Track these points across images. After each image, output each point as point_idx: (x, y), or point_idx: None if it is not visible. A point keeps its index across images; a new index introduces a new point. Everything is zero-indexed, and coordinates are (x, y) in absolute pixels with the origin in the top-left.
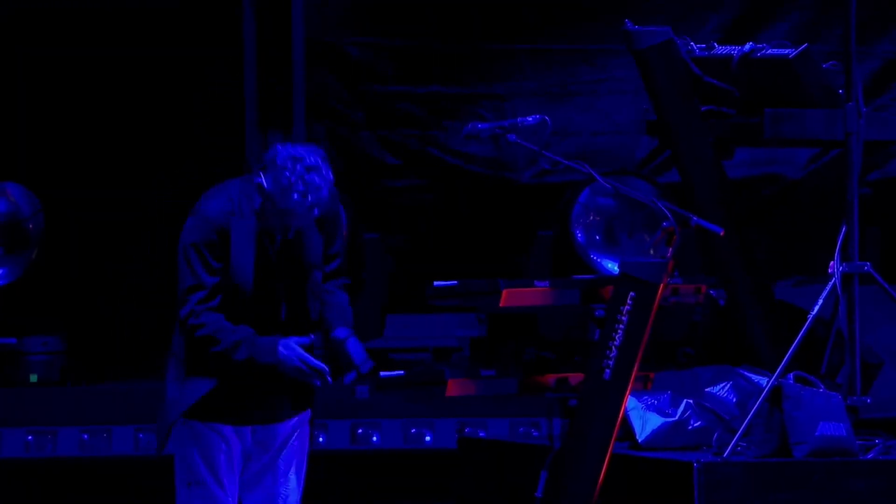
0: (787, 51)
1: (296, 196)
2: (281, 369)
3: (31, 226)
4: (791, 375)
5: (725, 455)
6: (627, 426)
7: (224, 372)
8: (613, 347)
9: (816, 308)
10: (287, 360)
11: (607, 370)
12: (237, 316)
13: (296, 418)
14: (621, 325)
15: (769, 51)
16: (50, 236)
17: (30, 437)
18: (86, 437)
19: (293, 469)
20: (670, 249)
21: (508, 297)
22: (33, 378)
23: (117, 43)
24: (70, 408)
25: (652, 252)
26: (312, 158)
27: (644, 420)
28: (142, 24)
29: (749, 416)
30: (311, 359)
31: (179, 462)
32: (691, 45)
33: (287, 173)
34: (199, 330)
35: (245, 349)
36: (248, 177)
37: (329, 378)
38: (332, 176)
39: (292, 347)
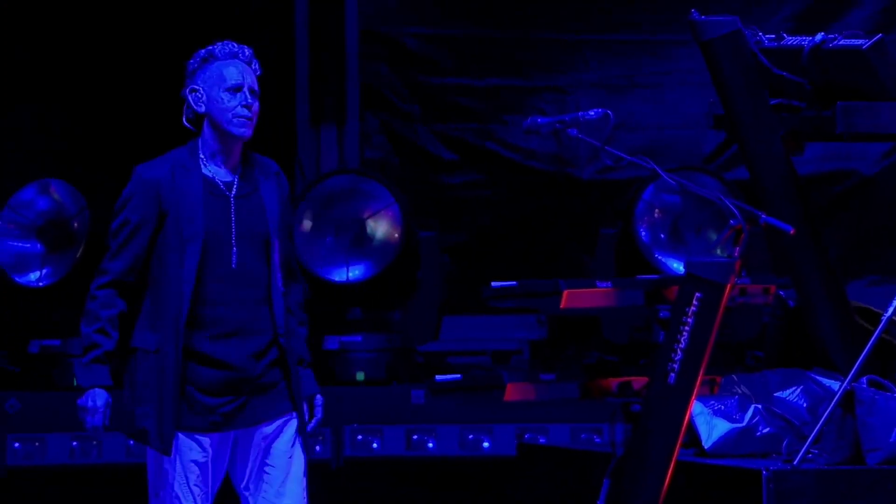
0: (859, 41)
1: (231, 68)
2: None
3: (76, 224)
4: (864, 379)
5: (796, 462)
6: (693, 432)
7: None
8: (679, 350)
9: (891, 309)
10: (83, 398)
11: (672, 374)
12: (189, 271)
13: (278, 420)
14: (687, 328)
15: (841, 41)
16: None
17: (75, 444)
18: (132, 442)
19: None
20: (738, 248)
21: (569, 299)
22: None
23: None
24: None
25: (719, 251)
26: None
27: (710, 426)
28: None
29: (821, 422)
30: (95, 420)
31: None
32: (760, 36)
33: (203, 53)
34: (90, 302)
35: (85, 359)
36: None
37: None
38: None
39: (95, 400)
